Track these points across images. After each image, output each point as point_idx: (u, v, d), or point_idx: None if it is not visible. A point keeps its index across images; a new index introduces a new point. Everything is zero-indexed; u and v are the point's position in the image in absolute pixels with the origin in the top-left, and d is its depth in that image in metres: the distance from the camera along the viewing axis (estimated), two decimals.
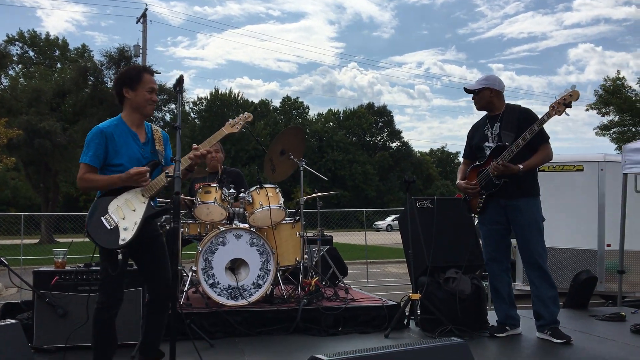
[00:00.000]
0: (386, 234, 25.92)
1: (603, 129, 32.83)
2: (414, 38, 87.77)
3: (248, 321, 4.74)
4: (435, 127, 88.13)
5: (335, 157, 53.65)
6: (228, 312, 4.74)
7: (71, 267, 4.35)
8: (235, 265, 5.06)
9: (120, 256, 3.05)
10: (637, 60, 69.40)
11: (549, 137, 4.53)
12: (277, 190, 5.43)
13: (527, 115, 4.52)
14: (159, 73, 28.77)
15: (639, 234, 7.23)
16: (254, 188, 5.38)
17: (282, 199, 5.44)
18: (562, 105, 4.18)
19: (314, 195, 6.02)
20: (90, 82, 26.38)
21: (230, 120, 3.18)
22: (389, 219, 35.03)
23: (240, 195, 5.33)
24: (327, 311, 4.89)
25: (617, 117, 32.07)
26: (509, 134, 4.45)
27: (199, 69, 76.63)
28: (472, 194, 4.69)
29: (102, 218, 3.12)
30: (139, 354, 3.47)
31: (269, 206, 5.26)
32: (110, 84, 26.52)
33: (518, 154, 4.35)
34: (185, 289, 5.05)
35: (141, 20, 31.20)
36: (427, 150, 68.59)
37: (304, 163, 5.56)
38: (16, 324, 2.60)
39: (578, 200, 8.22)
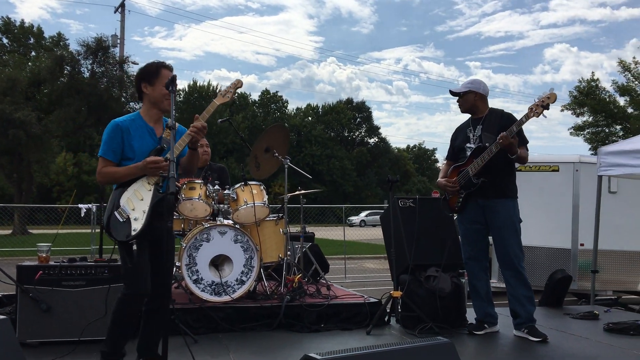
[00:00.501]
0: (363, 229, 26.04)
1: (577, 129, 33.40)
2: (393, 34, 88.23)
3: (231, 317, 4.77)
4: (413, 123, 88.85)
5: (314, 152, 53.65)
6: (212, 308, 4.77)
7: (55, 262, 4.34)
8: (219, 262, 5.08)
9: (134, 247, 3.05)
10: (611, 62, 70.96)
11: (527, 141, 4.66)
12: (262, 187, 5.46)
13: (508, 119, 4.64)
14: (137, 64, 28.30)
15: (612, 234, 7.43)
16: (238, 185, 5.41)
17: (267, 196, 5.47)
18: (540, 107, 4.30)
19: (297, 192, 6.06)
20: (66, 72, 25.93)
21: (220, 89, 3.15)
22: (363, 215, 35.20)
23: (225, 192, 5.35)
24: (310, 308, 4.95)
25: (591, 117, 32.67)
26: (490, 136, 4.57)
27: (176, 60, 75.90)
28: (451, 192, 4.80)
29: (116, 212, 3.17)
30: (137, 354, 3.47)
31: (254, 203, 5.29)
32: (87, 74, 26.15)
33: (496, 155, 4.46)
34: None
35: (119, 10, 30.94)
36: (404, 146, 69.03)
37: (288, 161, 5.60)
38: (5, 320, 2.59)
39: (553, 200, 8.39)
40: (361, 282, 11.95)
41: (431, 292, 4.90)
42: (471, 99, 4.77)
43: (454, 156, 4.96)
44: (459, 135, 4.93)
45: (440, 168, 5.13)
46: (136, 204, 3.18)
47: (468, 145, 4.77)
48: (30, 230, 21.35)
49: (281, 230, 5.59)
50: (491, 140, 4.52)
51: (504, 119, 4.65)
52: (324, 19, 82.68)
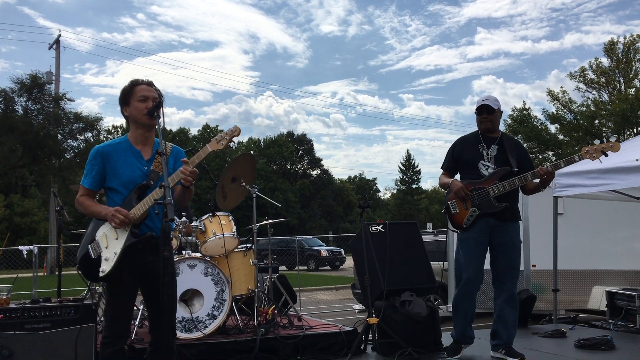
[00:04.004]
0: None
1: None
2: (328, 68, 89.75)
3: (205, 353, 4.57)
4: (352, 154, 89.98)
5: (257, 185, 53.20)
6: (183, 345, 4.55)
7: (16, 304, 4.05)
8: (188, 297, 4.89)
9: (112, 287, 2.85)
10: (535, 92, 74.27)
11: None
12: (230, 217, 5.33)
13: (522, 148, 4.74)
14: (73, 101, 27.49)
15: (561, 255, 7.63)
16: (206, 216, 5.26)
17: (235, 227, 5.34)
18: (600, 152, 4.28)
19: (265, 222, 5.95)
20: None
21: (216, 135, 3.02)
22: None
23: (193, 223, 5.19)
24: (285, 340, 4.81)
25: (525, 144, 34.05)
26: (514, 161, 4.57)
27: (108, 96, 73.78)
28: (461, 198, 4.59)
29: (89, 245, 2.98)
30: None
31: (223, 234, 5.14)
32: (21, 112, 25.19)
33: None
34: (137, 323, 4.82)
35: (54, 47, 30.18)
36: (345, 177, 69.71)
37: (256, 190, 5.51)
38: None
39: None
40: (317, 313, 11.82)
41: (407, 317, 4.87)
42: (499, 117, 4.75)
43: (454, 168, 4.85)
44: (467, 149, 4.76)
45: (442, 178, 4.86)
46: (110, 243, 3.00)
47: (483, 162, 4.64)
48: None
49: (251, 261, 5.45)
50: (515, 165, 4.53)
51: (520, 148, 4.76)
52: (259, 54, 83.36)
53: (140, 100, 3.12)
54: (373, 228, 5.36)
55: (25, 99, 25.28)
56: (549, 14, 67.05)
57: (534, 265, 8.41)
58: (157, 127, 2.89)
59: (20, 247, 11.81)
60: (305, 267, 25.54)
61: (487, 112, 4.68)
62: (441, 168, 4.96)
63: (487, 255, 4.71)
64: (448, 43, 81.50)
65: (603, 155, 4.29)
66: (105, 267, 2.91)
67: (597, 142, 4.38)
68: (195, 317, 4.78)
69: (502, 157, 4.63)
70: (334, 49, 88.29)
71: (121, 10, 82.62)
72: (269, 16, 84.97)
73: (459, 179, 4.78)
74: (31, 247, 11.64)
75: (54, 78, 28.41)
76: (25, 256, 11.50)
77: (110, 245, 2.96)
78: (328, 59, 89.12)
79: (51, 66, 29.08)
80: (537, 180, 4.52)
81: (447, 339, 4.97)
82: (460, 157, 4.80)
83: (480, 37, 77.20)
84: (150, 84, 3.17)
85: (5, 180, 34.06)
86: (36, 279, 11.71)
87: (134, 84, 3.16)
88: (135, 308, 5.02)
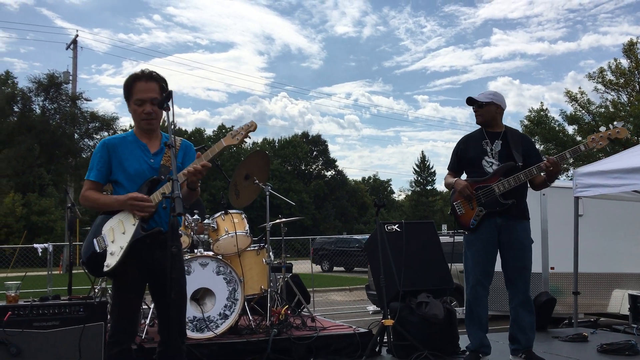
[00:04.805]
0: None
1: None
2: (342, 69, 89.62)
3: (216, 354, 4.49)
4: (366, 156, 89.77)
5: (272, 186, 53.32)
6: (194, 345, 4.46)
7: (25, 302, 3.99)
8: (200, 296, 4.81)
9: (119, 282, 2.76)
10: (552, 93, 73.74)
11: None
12: (243, 216, 5.24)
13: (529, 142, 4.54)
14: (90, 100, 27.62)
15: (580, 257, 7.46)
16: (218, 214, 5.17)
17: (248, 225, 5.25)
18: (606, 139, 4.12)
19: (279, 220, 5.85)
20: (17, 110, 25.11)
21: (231, 130, 2.91)
22: None
23: (205, 221, 5.10)
24: (298, 341, 4.71)
25: (542, 146, 33.60)
26: (519, 155, 4.39)
27: None
28: (466, 197, 4.45)
29: (95, 240, 2.88)
30: None
31: (235, 232, 5.05)
32: (38, 111, 25.39)
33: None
34: (148, 322, 4.75)
35: (71, 47, 30.43)
36: (359, 178, 69.53)
37: (269, 187, 5.41)
38: None
39: None
40: (330, 314, 11.72)
41: (424, 319, 4.74)
42: (493, 110, 4.53)
43: (459, 167, 4.70)
44: (471, 146, 4.61)
45: (448, 177, 4.72)
46: (117, 237, 2.89)
47: (487, 159, 4.49)
48: None
49: (264, 260, 5.35)
50: (520, 160, 4.35)
51: (526, 141, 4.55)
52: (274, 55, 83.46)
53: (137, 104, 3.01)
54: (389, 227, 5.23)
55: (42, 98, 25.45)
56: (565, 15, 66.45)
57: (552, 268, 8.24)
58: (168, 117, 2.75)
59: (35, 245, 11.82)
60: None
61: (477, 105, 4.55)
62: (447, 168, 4.83)
63: (499, 257, 4.56)
64: (464, 44, 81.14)
65: (609, 142, 4.13)
66: (111, 261, 2.81)
67: (602, 129, 4.22)
68: (206, 317, 4.69)
69: (506, 152, 4.46)
70: (348, 50, 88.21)
71: (137, 11, 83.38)
72: (284, 17, 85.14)
73: (464, 178, 4.62)
74: (46, 245, 11.65)
75: (71, 78, 28.63)
76: (40, 254, 11.51)
77: (116, 239, 2.87)
78: (343, 60, 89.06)
79: (68, 66, 29.35)
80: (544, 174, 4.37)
81: (464, 342, 4.83)
82: (464, 155, 4.65)
83: (496, 38, 76.73)
84: (149, 77, 3.01)
85: (23, 179, 34.35)
86: (51, 277, 11.71)
87: (134, 78, 3.02)
88: (145, 306, 4.98)
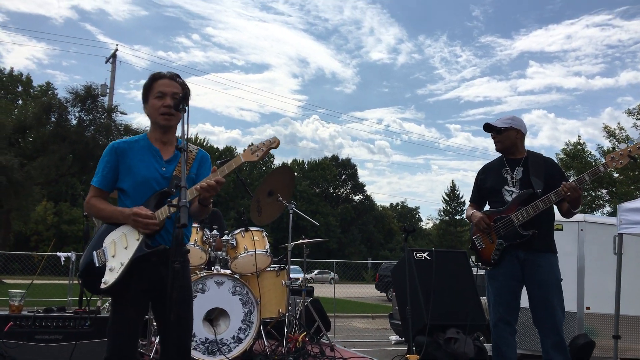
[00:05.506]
0: (349, 287, 25.29)
1: None
2: (375, 95, 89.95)
3: None
4: (395, 182, 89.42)
5: (298, 207, 53.07)
6: None
7: (29, 312, 3.78)
8: (214, 316, 4.54)
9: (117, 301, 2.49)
10: (587, 129, 72.61)
11: None
12: (264, 234, 4.98)
13: (553, 166, 4.18)
14: (125, 114, 28.05)
15: (623, 298, 7.01)
16: (238, 230, 4.92)
17: (268, 244, 4.98)
18: (626, 157, 3.77)
19: (301, 241, 5.56)
20: (53, 119, 25.55)
21: (251, 146, 2.65)
22: (314, 272, 33.69)
23: (224, 237, 4.86)
24: None
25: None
26: (539, 181, 4.06)
27: None
28: (482, 230, 4.16)
29: (95, 252, 2.62)
30: None
31: (255, 251, 4.79)
32: (74, 122, 25.76)
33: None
34: (156, 340, 4.49)
35: (110, 60, 30.96)
36: (387, 204, 69.01)
37: (293, 206, 5.15)
38: None
39: None
40: (351, 342, 11.33)
41: (452, 357, 4.39)
42: (512, 136, 4.23)
43: (481, 199, 4.42)
44: (490, 176, 4.34)
45: (468, 210, 4.45)
46: (118, 252, 2.62)
47: (507, 188, 4.19)
48: (4, 280, 20.35)
49: (283, 282, 5.07)
50: (540, 186, 4.01)
51: (549, 165, 4.19)
52: (308, 78, 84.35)
53: (158, 96, 2.77)
54: (418, 255, 4.91)
55: (78, 109, 25.88)
56: (604, 51, 65.64)
57: (587, 308, 7.80)
58: (183, 119, 2.50)
59: (58, 254, 11.78)
60: None
61: (495, 131, 4.26)
62: (469, 200, 4.54)
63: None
64: (499, 75, 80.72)
65: (630, 160, 3.75)
66: (109, 278, 2.54)
67: (622, 145, 3.84)
68: (219, 339, 4.42)
69: (527, 179, 4.13)
70: (382, 76, 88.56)
71: (177, 30, 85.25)
72: (319, 42, 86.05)
73: (485, 210, 4.30)
74: (69, 254, 11.59)
75: (108, 90, 29.06)
76: (62, 263, 11.43)
77: (117, 254, 2.60)
78: (376, 85, 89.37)
79: (106, 79, 29.80)
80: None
81: None
82: (483, 186, 4.36)
83: (532, 70, 76.14)
84: (173, 77, 2.80)
85: (56, 188, 34.92)
86: (71, 287, 11.61)
87: (155, 77, 2.82)
88: (154, 324, 4.73)
